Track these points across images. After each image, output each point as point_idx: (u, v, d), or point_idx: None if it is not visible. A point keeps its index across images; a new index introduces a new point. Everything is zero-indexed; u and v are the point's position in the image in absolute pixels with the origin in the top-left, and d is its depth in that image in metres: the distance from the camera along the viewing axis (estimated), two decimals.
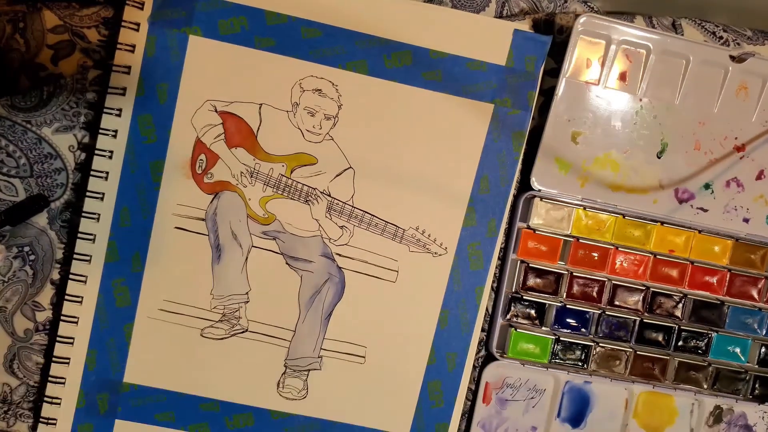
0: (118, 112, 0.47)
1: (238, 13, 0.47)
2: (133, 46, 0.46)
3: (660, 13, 0.54)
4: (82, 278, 0.48)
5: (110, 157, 0.47)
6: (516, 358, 0.53)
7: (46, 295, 0.49)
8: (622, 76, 0.52)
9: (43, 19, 0.47)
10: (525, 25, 0.50)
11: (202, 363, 0.50)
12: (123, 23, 0.46)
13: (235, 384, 0.50)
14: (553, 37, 0.50)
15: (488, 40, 0.49)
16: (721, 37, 0.55)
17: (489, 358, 0.53)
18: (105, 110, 0.47)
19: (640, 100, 0.52)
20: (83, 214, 0.48)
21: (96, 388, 0.49)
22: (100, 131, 0.47)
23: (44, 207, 0.48)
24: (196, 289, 0.49)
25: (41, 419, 0.49)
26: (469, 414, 0.53)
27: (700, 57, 0.52)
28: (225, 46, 0.47)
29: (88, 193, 0.47)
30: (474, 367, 0.53)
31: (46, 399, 0.48)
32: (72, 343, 0.48)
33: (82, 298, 0.48)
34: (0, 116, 0.46)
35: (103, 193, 0.47)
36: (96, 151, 0.47)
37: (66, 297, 0.48)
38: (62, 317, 0.48)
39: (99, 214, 0.47)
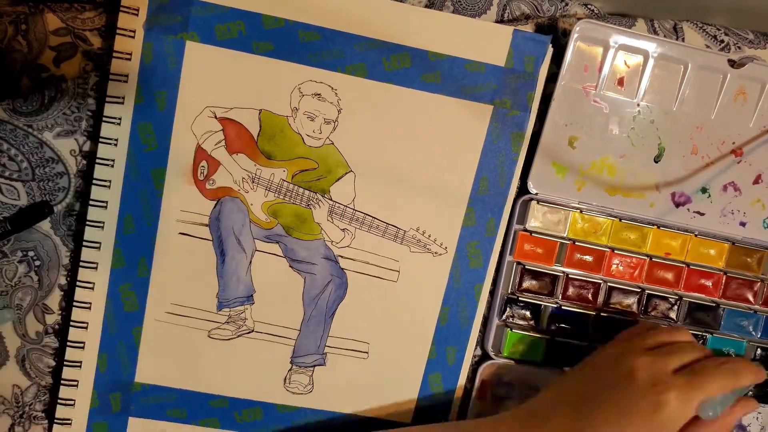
0: (117, 121, 0.47)
1: (235, 17, 0.46)
2: (130, 54, 0.46)
3: (661, 15, 0.53)
4: (90, 285, 0.49)
5: (112, 166, 0.47)
6: (511, 358, 0.54)
7: (54, 299, 0.50)
8: (620, 81, 0.51)
9: (45, 21, 0.46)
10: (527, 29, 0.49)
11: (210, 362, 0.51)
12: (118, 31, 0.46)
13: (243, 381, 0.52)
14: (554, 39, 0.49)
15: (487, 40, 0.48)
16: (722, 41, 0.54)
17: (485, 357, 0.55)
18: (104, 119, 0.47)
19: (638, 105, 0.52)
20: (87, 223, 0.48)
21: (108, 389, 0.50)
22: (101, 140, 0.47)
23: (48, 214, 0.48)
24: (202, 292, 0.50)
25: (56, 420, 0.50)
26: (461, 409, 0.55)
27: (698, 62, 0.51)
28: (223, 52, 0.47)
29: (91, 202, 0.48)
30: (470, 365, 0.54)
31: (59, 401, 0.50)
32: (83, 347, 0.49)
33: (91, 304, 0.49)
34: (1, 120, 0.46)
35: (107, 202, 0.48)
36: (97, 160, 0.47)
37: (74, 303, 0.49)
38: (72, 323, 0.49)
39: (103, 222, 0.48)
